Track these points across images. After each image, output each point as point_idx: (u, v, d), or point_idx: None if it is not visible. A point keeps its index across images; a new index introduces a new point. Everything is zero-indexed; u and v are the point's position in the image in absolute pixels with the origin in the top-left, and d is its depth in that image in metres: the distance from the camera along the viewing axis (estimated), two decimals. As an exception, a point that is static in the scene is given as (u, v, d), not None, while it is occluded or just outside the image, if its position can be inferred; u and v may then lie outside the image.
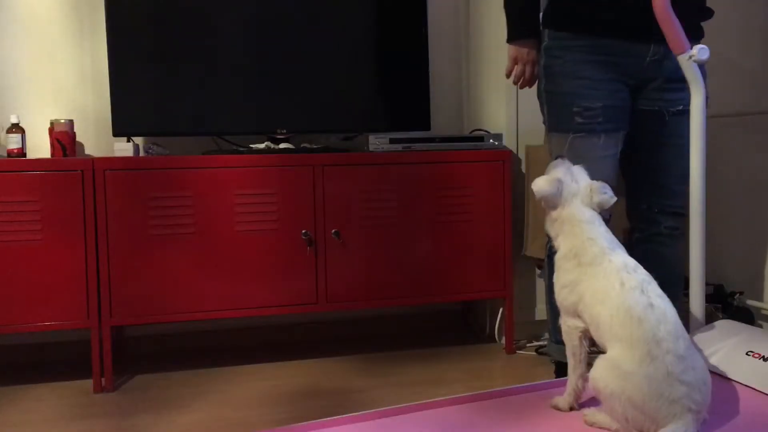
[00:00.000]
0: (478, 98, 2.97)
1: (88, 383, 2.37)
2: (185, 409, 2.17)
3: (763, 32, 2.18)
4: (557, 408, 1.49)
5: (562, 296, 1.48)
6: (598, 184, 1.47)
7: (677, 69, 1.77)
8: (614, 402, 1.29)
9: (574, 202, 1.45)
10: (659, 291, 1.35)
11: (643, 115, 1.94)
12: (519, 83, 2.08)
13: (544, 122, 2.03)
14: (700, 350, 1.37)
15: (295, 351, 2.74)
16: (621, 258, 1.39)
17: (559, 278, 1.48)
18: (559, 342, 2.07)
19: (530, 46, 2.02)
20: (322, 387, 2.35)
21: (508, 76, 2.09)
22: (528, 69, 2.04)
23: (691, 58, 1.73)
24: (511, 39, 2.05)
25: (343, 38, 2.74)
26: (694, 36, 1.91)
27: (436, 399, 1.57)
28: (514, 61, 2.05)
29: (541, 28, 1.99)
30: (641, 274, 1.37)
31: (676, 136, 1.91)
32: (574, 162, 1.92)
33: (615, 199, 1.46)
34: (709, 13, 1.94)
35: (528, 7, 2.01)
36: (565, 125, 1.92)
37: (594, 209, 1.46)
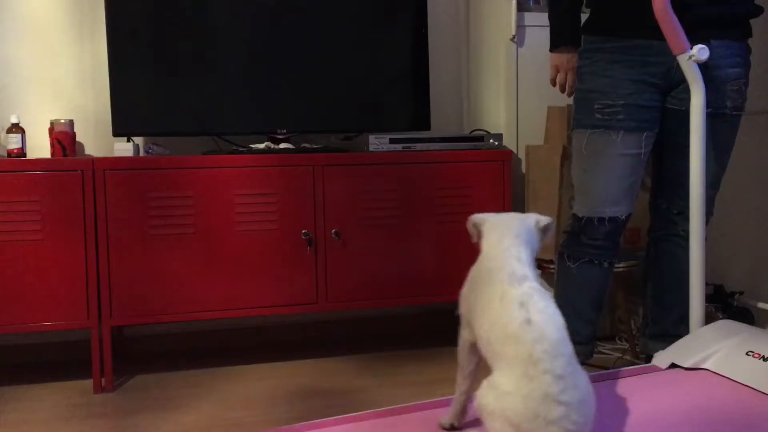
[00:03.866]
0: (478, 98, 2.97)
1: (88, 383, 2.37)
2: (185, 409, 2.17)
3: (761, 32, 2.17)
4: (441, 426, 1.44)
5: (460, 304, 1.45)
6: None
7: (706, 69, 1.80)
8: (494, 422, 1.24)
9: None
10: (544, 304, 1.27)
11: (671, 114, 1.95)
12: (565, 92, 2.13)
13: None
14: (580, 368, 1.29)
15: (295, 351, 2.74)
16: (511, 268, 1.31)
17: (463, 287, 1.43)
18: None
19: (570, 54, 2.07)
20: (322, 387, 2.35)
21: (553, 84, 2.14)
22: (570, 76, 2.09)
23: (691, 58, 1.73)
24: (552, 47, 2.12)
25: (343, 38, 2.74)
26: (743, 34, 1.92)
27: (436, 399, 1.56)
28: (556, 69, 2.12)
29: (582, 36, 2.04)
30: (526, 287, 1.28)
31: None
32: (590, 159, 1.93)
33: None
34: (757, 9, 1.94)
35: (568, 17, 2.08)
36: (585, 121, 1.96)
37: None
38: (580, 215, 1.98)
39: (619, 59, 1.90)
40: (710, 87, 1.82)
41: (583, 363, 2.09)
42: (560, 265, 2.08)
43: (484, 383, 1.27)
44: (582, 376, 1.25)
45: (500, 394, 1.23)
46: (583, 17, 2.07)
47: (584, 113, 1.97)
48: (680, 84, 1.89)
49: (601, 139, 1.92)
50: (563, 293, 2.08)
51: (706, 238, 1.82)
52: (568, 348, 1.24)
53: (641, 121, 1.91)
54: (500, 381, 1.24)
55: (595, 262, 1.99)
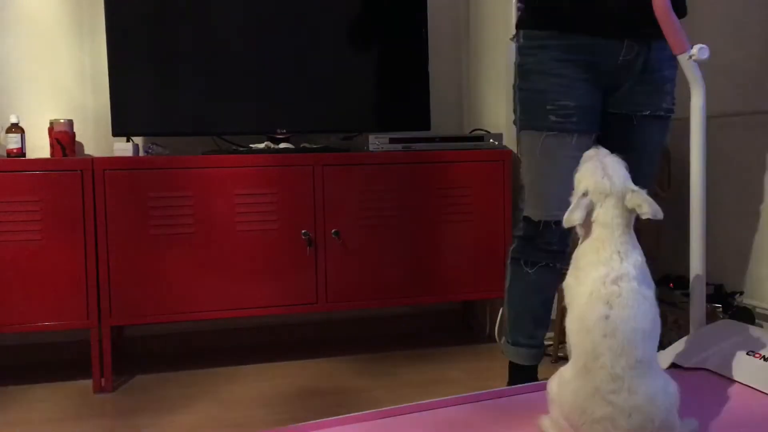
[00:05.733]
0: (478, 98, 2.97)
1: (88, 383, 2.37)
2: (185, 409, 2.17)
3: (761, 31, 2.18)
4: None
5: (564, 295, 1.44)
6: (635, 197, 1.32)
7: (646, 72, 1.82)
8: (553, 408, 1.28)
9: (606, 204, 1.32)
10: (630, 304, 1.24)
11: (611, 118, 1.92)
12: None
13: (514, 122, 2.01)
14: (662, 376, 1.24)
15: (295, 351, 2.74)
16: (608, 268, 1.28)
17: (565, 278, 1.43)
18: (517, 344, 2.03)
19: None
20: (322, 387, 2.35)
21: None
22: None
23: (691, 57, 1.72)
24: None
25: (343, 38, 2.73)
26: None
27: (436, 399, 1.56)
28: None
29: (515, 30, 1.98)
30: (621, 288, 1.25)
31: (641, 141, 1.91)
32: (545, 162, 1.90)
33: (648, 216, 1.31)
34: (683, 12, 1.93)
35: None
36: (539, 123, 1.89)
37: (629, 210, 1.33)
38: (536, 219, 1.93)
39: (567, 58, 1.85)
40: (649, 89, 1.83)
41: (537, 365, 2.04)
42: (515, 271, 2.01)
43: (557, 371, 1.30)
44: (645, 383, 1.19)
45: (561, 382, 1.25)
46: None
47: (535, 114, 1.90)
48: (620, 87, 1.88)
49: (555, 142, 1.87)
50: (520, 299, 2.01)
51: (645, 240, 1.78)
52: (641, 351, 1.20)
53: (591, 123, 1.89)
54: (566, 370, 1.25)
55: (551, 265, 1.95)
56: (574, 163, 1.83)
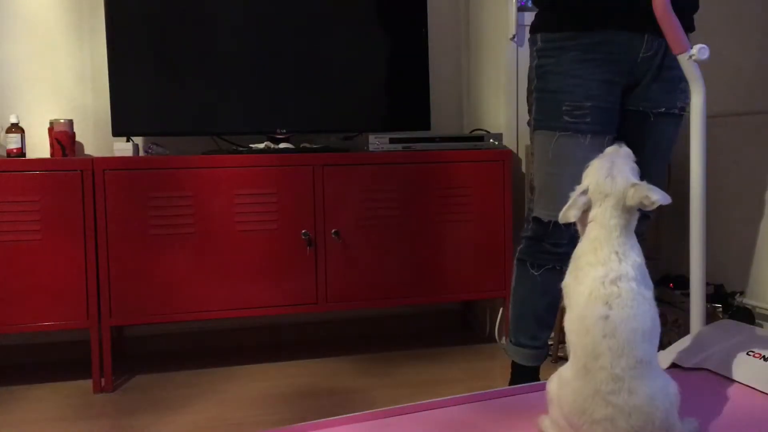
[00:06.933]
0: (478, 98, 2.97)
1: (88, 383, 2.37)
2: (185, 409, 2.17)
3: (761, 32, 2.18)
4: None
5: (564, 295, 1.44)
6: (639, 189, 1.29)
7: (663, 69, 1.81)
8: (552, 408, 1.28)
9: (605, 204, 1.31)
10: (629, 305, 1.23)
11: (627, 114, 1.92)
12: None
13: (528, 123, 2.01)
14: (661, 376, 1.24)
15: (295, 351, 2.74)
16: (607, 269, 1.27)
17: (564, 278, 1.43)
18: (520, 345, 2.03)
19: None
20: (322, 387, 2.35)
21: None
22: None
23: (692, 57, 1.72)
24: None
25: (343, 38, 2.74)
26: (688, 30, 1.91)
27: (436, 399, 1.56)
28: None
29: (530, 35, 1.98)
30: (620, 288, 1.24)
31: (654, 138, 1.91)
32: (557, 162, 1.89)
33: (658, 202, 1.28)
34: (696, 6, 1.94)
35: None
36: (553, 123, 1.89)
37: (629, 211, 1.31)
38: (546, 219, 1.92)
39: (586, 58, 1.84)
40: (666, 86, 1.82)
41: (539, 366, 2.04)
42: (521, 272, 2.00)
43: (557, 371, 1.30)
44: (645, 384, 1.19)
45: (561, 383, 1.25)
46: (528, 15, 1.96)
47: (550, 114, 1.89)
48: (639, 83, 1.88)
49: (569, 142, 1.86)
50: (525, 301, 2.00)
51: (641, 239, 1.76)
52: (641, 352, 1.20)
53: (606, 124, 1.88)
54: (566, 371, 1.26)
55: (557, 268, 1.94)
56: (586, 163, 1.81)
